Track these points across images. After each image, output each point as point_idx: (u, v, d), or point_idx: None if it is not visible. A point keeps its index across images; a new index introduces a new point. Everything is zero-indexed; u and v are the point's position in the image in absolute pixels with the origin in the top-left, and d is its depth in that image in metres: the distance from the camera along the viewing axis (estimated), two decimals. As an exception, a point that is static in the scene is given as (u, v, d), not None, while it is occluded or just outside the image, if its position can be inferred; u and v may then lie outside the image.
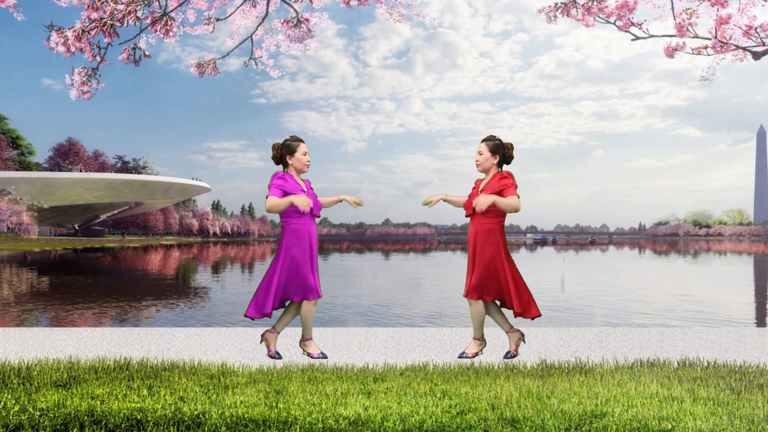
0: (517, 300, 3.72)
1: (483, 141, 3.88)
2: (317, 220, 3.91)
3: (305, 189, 3.84)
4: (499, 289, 3.77)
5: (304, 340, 3.94)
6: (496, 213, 3.75)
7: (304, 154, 3.83)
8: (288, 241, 3.76)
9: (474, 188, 3.94)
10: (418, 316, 8.29)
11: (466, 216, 3.90)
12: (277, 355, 3.86)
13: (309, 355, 3.89)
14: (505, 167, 3.87)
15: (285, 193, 3.72)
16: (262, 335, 3.93)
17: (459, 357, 3.87)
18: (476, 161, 3.87)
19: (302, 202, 3.65)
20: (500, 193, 3.72)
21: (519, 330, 3.93)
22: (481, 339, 3.92)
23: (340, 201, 4.02)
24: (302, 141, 3.88)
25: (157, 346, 4.28)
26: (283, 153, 3.84)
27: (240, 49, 4.18)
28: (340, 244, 77.06)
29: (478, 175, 3.96)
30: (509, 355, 3.86)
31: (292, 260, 3.76)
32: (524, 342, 4.01)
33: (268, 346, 3.91)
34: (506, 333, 3.91)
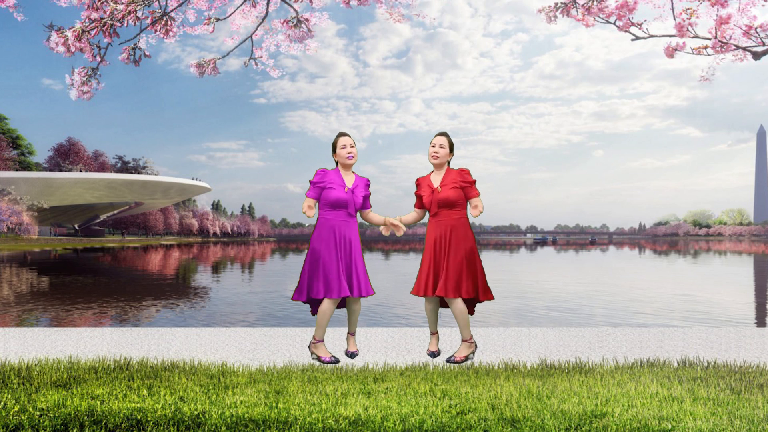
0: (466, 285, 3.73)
1: (442, 135, 3.85)
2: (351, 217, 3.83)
3: (348, 184, 3.79)
4: (475, 285, 3.76)
5: (318, 341, 3.82)
6: (463, 206, 3.81)
7: (343, 147, 3.79)
8: (313, 234, 3.81)
9: (425, 187, 3.87)
10: (418, 316, 8.29)
11: (432, 214, 3.85)
12: (334, 359, 3.79)
13: (319, 359, 3.76)
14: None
15: (321, 189, 3.77)
16: (309, 347, 3.90)
17: (447, 361, 3.75)
18: (435, 154, 3.80)
19: (303, 206, 3.77)
20: (464, 190, 3.78)
21: (475, 342, 3.89)
22: (470, 340, 3.82)
23: (384, 224, 3.96)
24: (344, 134, 3.85)
25: (157, 346, 4.28)
26: (331, 153, 3.88)
27: (240, 49, 4.18)
28: (340, 244, 76.82)
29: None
30: (452, 360, 3.80)
31: (313, 253, 3.74)
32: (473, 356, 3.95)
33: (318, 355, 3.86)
34: (433, 334, 3.94)
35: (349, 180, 3.83)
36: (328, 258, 3.72)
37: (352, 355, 3.91)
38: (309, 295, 3.76)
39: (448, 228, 3.76)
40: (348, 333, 3.98)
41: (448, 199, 3.77)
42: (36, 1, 4.33)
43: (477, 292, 3.77)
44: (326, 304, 3.73)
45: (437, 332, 3.99)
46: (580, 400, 2.54)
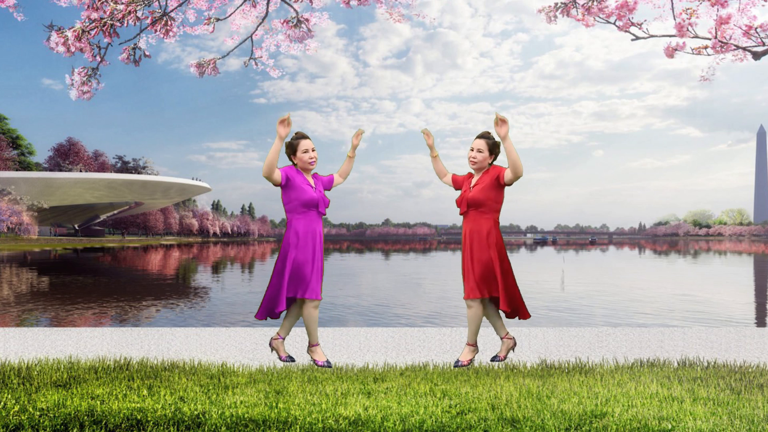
0: (506, 298, 3.61)
1: (481, 138, 3.71)
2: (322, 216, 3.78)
3: (313, 185, 3.70)
4: (495, 287, 3.64)
5: (311, 346, 3.74)
6: (492, 208, 3.67)
7: (305, 152, 3.66)
8: (290, 240, 3.64)
9: (464, 185, 3.78)
10: (418, 316, 8.29)
11: (460, 214, 3.78)
12: (289, 359, 3.73)
13: (314, 362, 3.69)
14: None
15: (288, 179, 3.63)
16: (270, 344, 3.80)
17: (455, 366, 3.65)
18: (473, 158, 3.69)
19: (280, 131, 3.58)
20: (497, 179, 3.65)
21: (513, 337, 3.79)
22: (474, 345, 3.75)
23: (352, 157, 3.94)
24: (305, 137, 3.70)
25: (157, 346, 4.28)
26: (287, 153, 3.72)
27: (240, 49, 4.18)
28: (340, 244, 77.05)
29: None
30: (497, 359, 3.73)
31: (294, 259, 3.61)
32: (513, 351, 3.87)
33: (278, 353, 3.78)
34: (501, 338, 3.78)
35: (309, 179, 3.72)
36: (303, 258, 3.62)
37: (287, 358, 3.78)
38: (287, 298, 3.61)
39: (476, 229, 3.67)
40: (312, 344, 3.75)
41: (476, 199, 3.67)
42: (36, 1, 4.33)
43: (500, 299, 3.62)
44: (306, 309, 3.64)
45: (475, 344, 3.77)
46: (580, 400, 2.54)
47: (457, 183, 3.86)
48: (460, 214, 3.79)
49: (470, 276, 3.67)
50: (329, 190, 3.86)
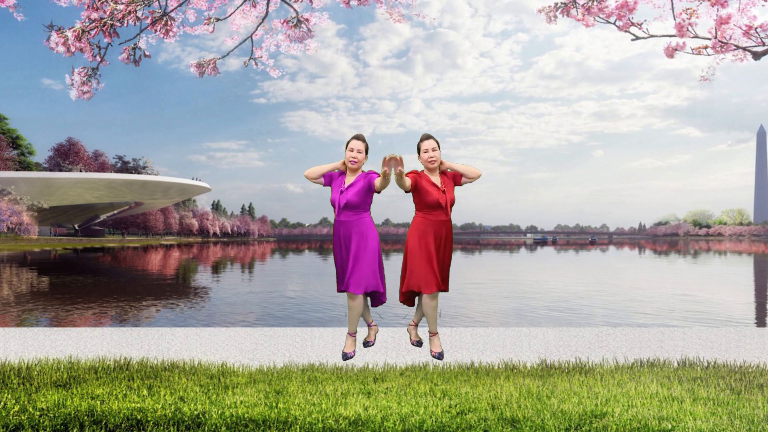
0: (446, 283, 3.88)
1: (430, 138, 3.75)
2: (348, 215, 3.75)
3: (344, 184, 3.70)
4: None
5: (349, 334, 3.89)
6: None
7: (350, 150, 3.71)
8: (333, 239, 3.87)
9: (428, 184, 3.73)
10: (418, 316, 8.28)
11: (446, 213, 3.75)
12: (349, 355, 3.78)
13: (366, 343, 3.87)
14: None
15: (331, 180, 3.76)
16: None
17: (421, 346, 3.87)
18: (432, 159, 3.71)
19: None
20: (454, 181, 3.79)
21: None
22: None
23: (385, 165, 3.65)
24: (356, 138, 3.75)
25: (157, 346, 4.28)
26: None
27: (240, 49, 4.18)
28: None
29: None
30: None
31: (335, 257, 3.81)
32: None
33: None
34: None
35: (349, 179, 3.74)
36: (336, 254, 3.80)
37: (344, 356, 3.81)
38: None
39: (446, 227, 3.80)
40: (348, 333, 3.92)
41: (453, 200, 3.79)
42: (36, 1, 4.34)
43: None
44: (348, 299, 3.80)
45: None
46: (580, 400, 2.54)
47: (415, 184, 3.78)
48: (442, 213, 3.76)
49: (437, 270, 3.78)
50: (376, 189, 3.73)
